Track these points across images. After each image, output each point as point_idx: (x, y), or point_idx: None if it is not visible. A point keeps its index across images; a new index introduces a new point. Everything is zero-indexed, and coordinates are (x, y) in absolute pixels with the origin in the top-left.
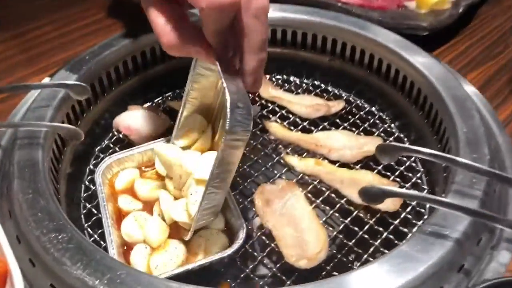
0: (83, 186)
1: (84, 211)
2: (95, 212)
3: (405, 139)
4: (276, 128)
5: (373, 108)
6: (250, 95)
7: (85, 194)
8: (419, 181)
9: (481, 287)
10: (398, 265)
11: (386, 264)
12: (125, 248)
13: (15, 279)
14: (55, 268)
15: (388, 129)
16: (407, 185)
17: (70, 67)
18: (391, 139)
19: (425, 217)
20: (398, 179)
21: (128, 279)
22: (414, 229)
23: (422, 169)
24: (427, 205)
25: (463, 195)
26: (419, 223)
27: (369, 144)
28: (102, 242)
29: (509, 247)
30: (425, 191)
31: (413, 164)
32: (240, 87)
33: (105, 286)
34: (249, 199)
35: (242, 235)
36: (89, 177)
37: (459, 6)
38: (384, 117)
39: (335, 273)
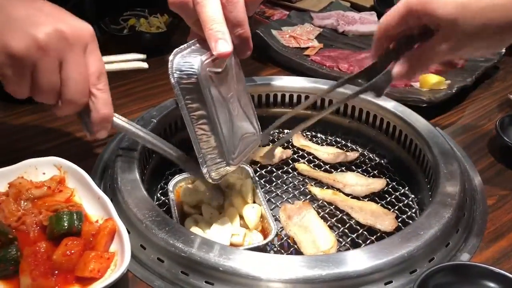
0: (155, 197)
1: None
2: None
3: (406, 185)
4: (303, 167)
5: (382, 161)
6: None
7: (157, 203)
8: (413, 214)
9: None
10: (385, 249)
11: (376, 247)
12: None
13: (123, 234)
14: (146, 232)
15: (393, 176)
16: (403, 216)
17: (158, 109)
18: (394, 183)
19: None
20: (396, 211)
21: (197, 240)
22: None
23: (417, 207)
24: None
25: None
26: None
27: (375, 183)
28: None
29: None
30: None
31: (410, 203)
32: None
33: (181, 243)
34: (278, 215)
35: (274, 232)
36: (160, 191)
37: (453, 88)
38: (390, 167)
39: None
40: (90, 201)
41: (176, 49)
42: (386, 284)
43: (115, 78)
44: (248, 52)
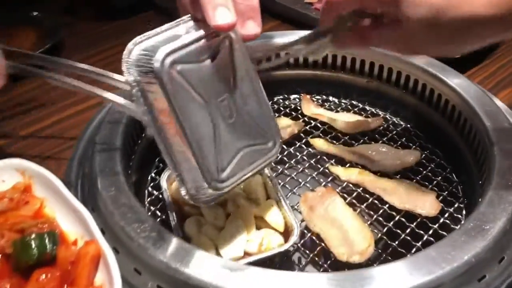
0: (146, 192)
1: (149, 213)
2: (159, 214)
3: (440, 153)
4: (319, 143)
5: (409, 125)
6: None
7: (149, 199)
8: (455, 190)
9: None
10: (446, 253)
11: (434, 251)
12: None
13: (110, 261)
14: (140, 253)
15: (424, 143)
16: (444, 194)
17: None
18: (426, 152)
19: (462, 222)
20: (435, 188)
21: (211, 262)
22: None
23: (457, 180)
24: (464, 212)
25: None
26: (457, 227)
27: (408, 156)
28: None
29: None
30: (461, 199)
31: (449, 175)
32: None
33: (187, 267)
34: (297, 205)
35: (296, 232)
36: (151, 184)
37: None
38: (419, 133)
39: None
40: (66, 214)
41: (144, 34)
42: None
43: (95, 44)
44: (255, 29)
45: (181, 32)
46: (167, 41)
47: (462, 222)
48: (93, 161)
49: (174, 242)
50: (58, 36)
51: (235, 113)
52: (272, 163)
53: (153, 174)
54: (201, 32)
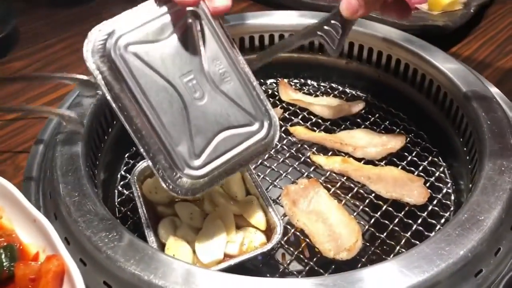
0: (116, 191)
1: (120, 215)
2: (131, 215)
3: (425, 136)
4: (299, 130)
5: (391, 108)
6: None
7: (119, 199)
8: (442, 175)
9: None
10: (440, 249)
11: (428, 247)
12: None
13: (75, 277)
14: (109, 265)
15: (408, 126)
16: (431, 179)
17: None
18: (411, 135)
19: (451, 208)
20: (422, 174)
21: (181, 272)
22: (442, 220)
23: (444, 164)
24: (452, 198)
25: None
26: (446, 214)
27: (392, 142)
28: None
29: None
30: (449, 184)
31: (435, 159)
32: None
33: (160, 279)
34: (279, 198)
35: (279, 230)
36: (121, 183)
37: (470, 7)
38: (402, 116)
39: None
40: (25, 224)
41: (108, 20)
42: None
43: (55, 30)
44: (225, 1)
45: (143, 13)
46: (126, 24)
47: (452, 208)
48: (54, 163)
49: (146, 252)
50: (10, 25)
51: (207, 93)
52: (270, 148)
53: (122, 172)
54: (164, 10)
